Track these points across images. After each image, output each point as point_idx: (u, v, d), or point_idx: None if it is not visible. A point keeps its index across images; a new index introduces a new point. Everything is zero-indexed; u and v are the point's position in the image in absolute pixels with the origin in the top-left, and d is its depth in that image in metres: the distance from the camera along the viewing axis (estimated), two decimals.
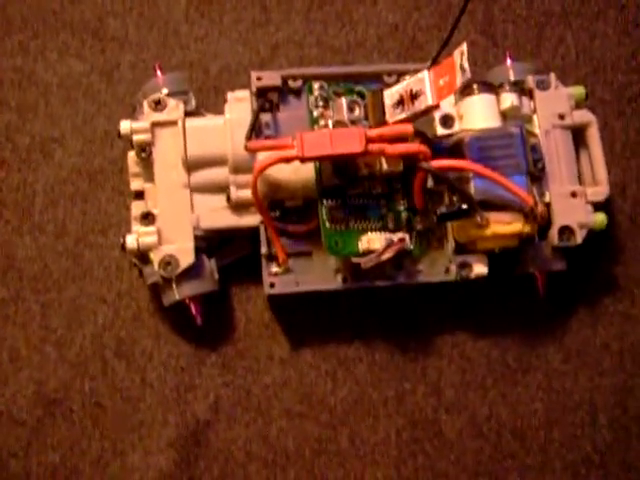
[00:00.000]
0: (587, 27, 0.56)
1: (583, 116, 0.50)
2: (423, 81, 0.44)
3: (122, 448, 0.49)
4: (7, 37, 0.54)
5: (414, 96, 0.44)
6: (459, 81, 0.42)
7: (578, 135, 0.50)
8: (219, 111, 0.49)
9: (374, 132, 0.43)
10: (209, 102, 0.53)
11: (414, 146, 0.43)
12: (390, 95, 0.46)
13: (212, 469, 0.49)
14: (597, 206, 0.49)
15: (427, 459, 0.49)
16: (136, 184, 0.49)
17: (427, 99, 0.44)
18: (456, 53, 0.42)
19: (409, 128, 0.44)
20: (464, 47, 0.42)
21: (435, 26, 0.55)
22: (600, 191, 0.49)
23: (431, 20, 0.56)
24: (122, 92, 0.54)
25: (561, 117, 0.49)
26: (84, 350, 0.50)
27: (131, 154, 0.49)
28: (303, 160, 0.43)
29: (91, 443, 0.49)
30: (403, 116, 0.45)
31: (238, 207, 0.47)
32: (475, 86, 0.47)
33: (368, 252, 0.45)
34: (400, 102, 0.45)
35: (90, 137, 0.53)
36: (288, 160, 0.43)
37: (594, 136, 0.49)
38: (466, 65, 0.42)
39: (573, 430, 0.50)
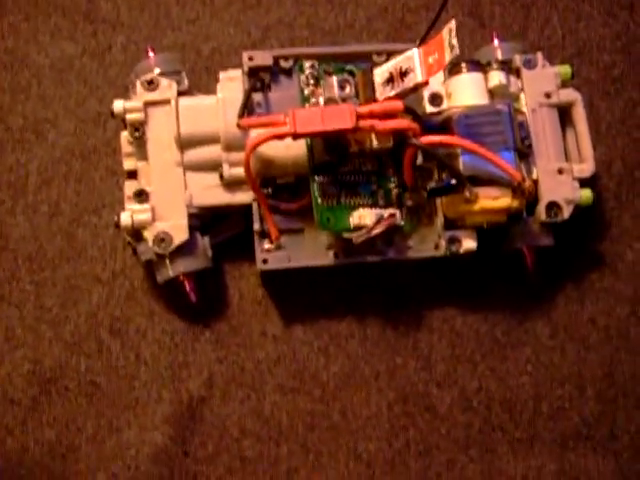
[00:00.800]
0: (573, 8, 0.57)
1: (569, 95, 0.50)
2: (412, 59, 0.45)
3: (117, 425, 0.49)
4: None
5: (404, 73, 0.45)
6: (448, 58, 0.43)
7: (564, 113, 0.51)
8: (211, 92, 0.49)
9: (364, 108, 0.44)
10: (201, 83, 0.53)
11: (404, 122, 0.44)
12: (380, 73, 0.46)
13: (207, 444, 0.49)
14: (583, 182, 0.49)
15: (418, 432, 0.50)
16: (129, 164, 0.49)
17: (417, 76, 0.44)
18: (445, 30, 0.43)
19: (399, 104, 0.44)
20: (452, 24, 0.43)
21: (423, 7, 0.56)
22: (586, 168, 0.50)
23: (420, 1, 0.56)
24: (114, 73, 0.54)
25: (547, 95, 0.50)
26: (79, 329, 0.50)
27: (124, 134, 0.49)
28: (295, 137, 0.44)
29: (87, 420, 0.49)
30: (393, 93, 0.45)
31: (231, 185, 0.48)
32: (463, 65, 0.47)
33: (359, 228, 0.46)
34: (390, 80, 0.46)
35: (83, 118, 0.53)
36: (280, 137, 0.44)
37: (580, 114, 0.50)
38: (455, 42, 0.42)
39: (561, 403, 0.51)
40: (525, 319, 0.52)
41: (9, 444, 0.49)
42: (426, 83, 0.45)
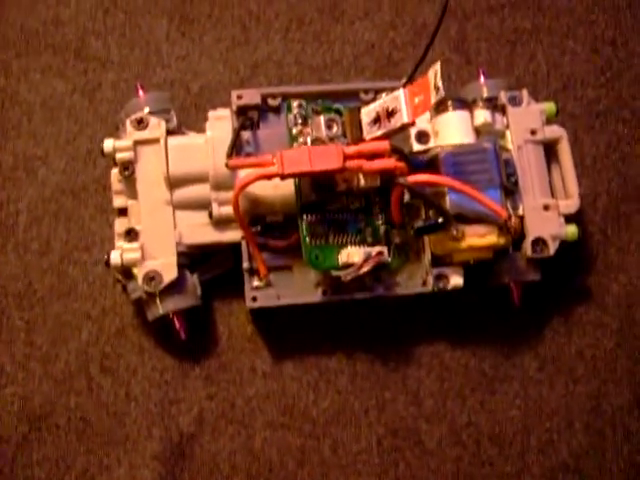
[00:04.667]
0: (557, 44, 0.58)
1: (554, 131, 0.51)
2: (399, 99, 0.45)
3: (108, 462, 0.49)
4: None
5: (390, 114, 0.46)
6: (433, 99, 0.44)
7: (549, 149, 0.51)
8: (200, 129, 0.50)
9: (352, 149, 0.45)
10: (190, 120, 0.54)
11: (390, 162, 0.45)
12: (367, 113, 0.47)
13: None
14: (569, 218, 0.50)
15: (408, 467, 0.50)
16: (119, 201, 0.50)
17: (403, 117, 0.45)
18: (430, 72, 0.44)
19: (386, 145, 0.45)
20: (438, 66, 0.43)
21: (410, 43, 0.57)
22: (571, 204, 0.50)
23: (406, 38, 0.57)
24: (104, 111, 0.54)
25: (533, 132, 0.50)
26: (69, 366, 0.50)
27: (114, 171, 0.50)
28: (283, 177, 0.44)
29: (77, 458, 0.49)
30: (380, 133, 0.46)
31: (220, 223, 0.48)
32: (450, 103, 0.48)
33: (347, 265, 0.46)
34: (377, 119, 0.46)
35: (73, 155, 0.54)
36: (269, 177, 0.44)
37: (565, 150, 0.51)
38: (440, 84, 0.43)
39: (550, 436, 0.51)
40: (513, 353, 0.52)
41: None
42: (412, 124, 0.46)
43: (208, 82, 0.55)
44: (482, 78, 0.52)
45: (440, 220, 0.45)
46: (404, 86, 0.46)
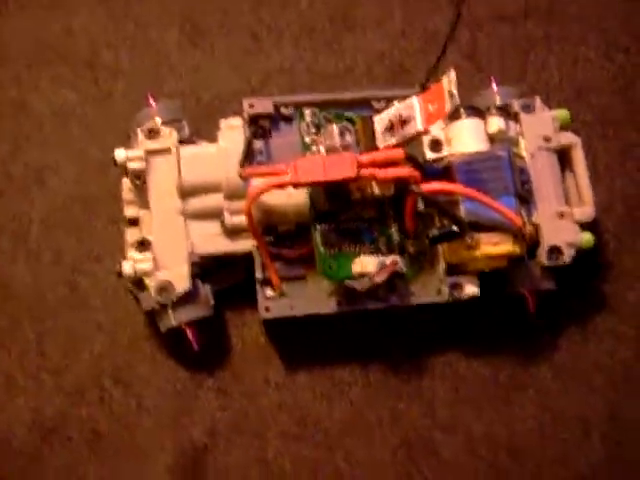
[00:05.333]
0: (570, 51, 0.58)
1: (568, 138, 0.51)
2: (413, 107, 0.45)
3: (120, 475, 0.49)
4: (1, 68, 0.55)
5: (404, 121, 0.45)
6: (448, 107, 0.43)
7: (563, 157, 0.51)
8: (212, 138, 0.50)
9: (366, 157, 0.44)
10: (202, 129, 0.53)
11: (405, 170, 0.44)
12: (380, 121, 0.47)
13: None
14: (584, 226, 0.50)
15: (423, 479, 0.50)
16: (130, 211, 0.49)
17: (417, 124, 0.45)
18: (444, 80, 0.44)
19: (400, 153, 0.45)
20: (452, 75, 0.43)
21: (421, 51, 0.57)
22: (586, 211, 0.50)
23: (417, 45, 0.57)
24: (115, 120, 0.54)
25: (546, 140, 0.50)
26: (81, 377, 0.50)
27: (125, 181, 0.49)
28: (297, 186, 0.44)
29: (89, 470, 0.49)
30: (393, 141, 0.46)
31: (232, 233, 0.48)
32: (463, 110, 0.48)
33: (362, 275, 0.46)
34: (390, 127, 0.46)
35: (84, 165, 0.53)
36: (282, 186, 0.44)
37: (579, 158, 0.51)
38: (454, 91, 0.43)
39: (566, 447, 0.51)
40: (528, 362, 0.52)
41: None
42: (426, 132, 0.45)
43: (219, 91, 0.55)
44: (494, 86, 0.52)
45: (455, 229, 0.45)
46: (418, 94, 0.45)
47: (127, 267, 0.47)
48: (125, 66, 0.55)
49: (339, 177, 0.43)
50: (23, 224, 0.52)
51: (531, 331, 0.52)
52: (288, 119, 0.50)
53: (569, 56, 0.57)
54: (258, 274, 0.47)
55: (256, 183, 0.45)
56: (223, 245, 0.48)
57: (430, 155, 0.47)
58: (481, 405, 0.51)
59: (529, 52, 0.57)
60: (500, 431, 0.51)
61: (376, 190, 0.46)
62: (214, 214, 0.48)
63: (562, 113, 0.51)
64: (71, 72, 0.55)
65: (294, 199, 0.47)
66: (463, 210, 0.46)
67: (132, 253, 0.48)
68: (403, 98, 0.47)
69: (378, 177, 0.44)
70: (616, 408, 0.51)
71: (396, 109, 0.46)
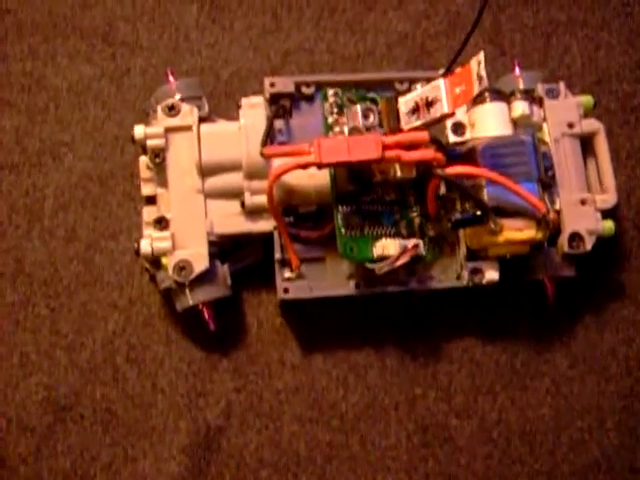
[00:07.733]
0: (592, 37, 0.57)
1: (591, 125, 0.50)
2: (439, 89, 0.44)
3: (133, 454, 0.48)
4: (18, 41, 0.54)
5: (430, 104, 0.45)
6: (476, 89, 0.43)
7: (586, 143, 0.51)
8: (230, 117, 0.49)
9: (391, 139, 0.44)
10: (220, 108, 0.53)
11: (430, 153, 0.44)
12: (405, 102, 0.46)
13: (224, 475, 0.49)
14: (604, 213, 0.49)
15: (437, 464, 0.50)
16: (147, 189, 0.49)
17: (443, 107, 0.44)
18: (473, 62, 0.43)
19: (425, 135, 0.44)
20: (481, 56, 0.42)
21: (443, 33, 0.56)
22: (608, 199, 0.50)
23: (440, 27, 0.56)
24: (132, 97, 0.54)
25: (570, 125, 0.50)
26: (95, 356, 0.50)
27: (142, 159, 0.49)
28: (321, 166, 0.43)
29: (102, 449, 0.48)
30: (418, 123, 0.45)
31: (252, 213, 0.47)
32: (487, 94, 0.47)
33: (383, 258, 0.45)
34: (415, 109, 0.45)
35: (100, 142, 0.53)
36: (305, 166, 0.44)
37: (602, 145, 0.50)
38: (483, 74, 0.42)
39: (581, 435, 0.50)
40: (545, 350, 0.51)
41: (22, 472, 0.48)
42: (452, 114, 0.45)
43: (238, 69, 0.54)
44: (518, 70, 0.51)
45: (478, 213, 0.45)
46: (444, 76, 0.45)
47: (145, 245, 0.46)
48: (143, 42, 0.55)
49: (364, 158, 0.43)
50: (38, 199, 0.52)
51: (548, 318, 0.52)
52: (309, 99, 0.49)
53: (592, 42, 0.57)
54: (277, 255, 0.47)
55: (279, 163, 0.45)
56: (242, 225, 0.48)
57: (453, 138, 0.47)
58: (497, 391, 0.51)
59: (551, 36, 0.57)
60: (515, 418, 0.50)
61: (398, 172, 0.45)
62: (234, 193, 0.47)
63: (586, 99, 0.50)
64: (88, 47, 0.54)
65: (316, 180, 0.46)
66: (486, 194, 0.45)
67: (149, 231, 0.47)
68: (427, 80, 0.46)
69: (403, 159, 0.44)
70: (631, 397, 0.51)
71: (422, 91, 0.45)
